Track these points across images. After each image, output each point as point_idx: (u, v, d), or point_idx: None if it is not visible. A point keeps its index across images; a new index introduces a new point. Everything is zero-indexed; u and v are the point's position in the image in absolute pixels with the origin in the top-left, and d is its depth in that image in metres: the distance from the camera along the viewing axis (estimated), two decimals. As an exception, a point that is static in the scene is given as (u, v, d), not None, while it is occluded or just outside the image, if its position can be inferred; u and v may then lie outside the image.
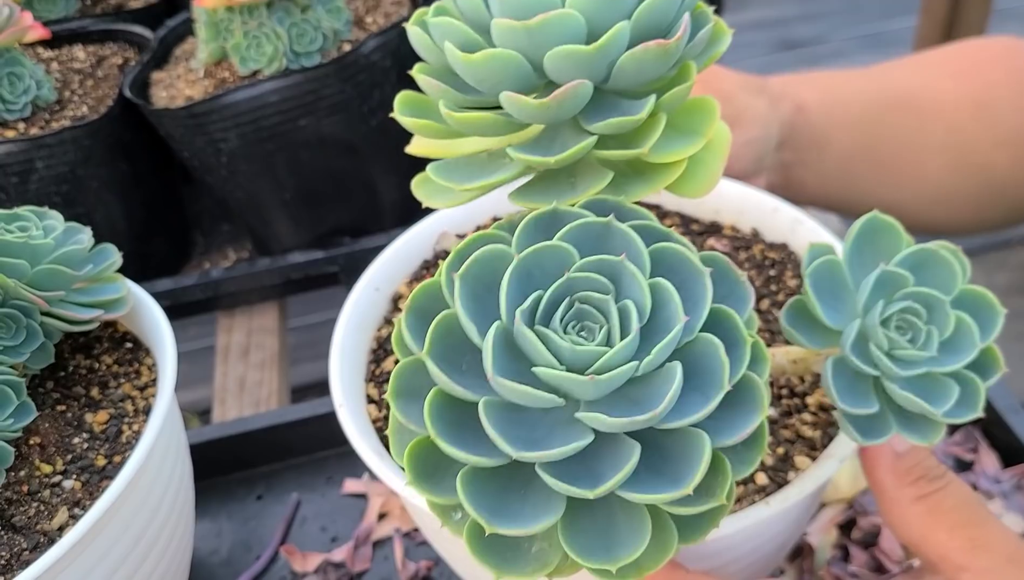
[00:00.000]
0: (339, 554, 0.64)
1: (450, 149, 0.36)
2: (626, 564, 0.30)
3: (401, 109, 0.38)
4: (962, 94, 0.73)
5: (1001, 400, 0.65)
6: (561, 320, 0.31)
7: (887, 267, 0.39)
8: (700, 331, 0.30)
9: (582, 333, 0.30)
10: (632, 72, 0.33)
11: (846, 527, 0.61)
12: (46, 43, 1.00)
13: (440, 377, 0.30)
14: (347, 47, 0.86)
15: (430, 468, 0.31)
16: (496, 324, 0.30)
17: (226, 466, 0.72)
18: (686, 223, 0.60)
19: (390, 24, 0.88)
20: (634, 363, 0.29)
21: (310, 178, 0.90)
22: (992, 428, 0.66)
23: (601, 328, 0.30)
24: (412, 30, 0.35)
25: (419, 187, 0.38)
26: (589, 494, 0.28)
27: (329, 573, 0.63)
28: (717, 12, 1.19)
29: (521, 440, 0.29)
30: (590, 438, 0.29)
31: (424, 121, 0.36)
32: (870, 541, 0.60)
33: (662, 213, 0.61)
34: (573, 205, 0.33)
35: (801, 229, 0.56)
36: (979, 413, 0.38)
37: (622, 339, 0.30)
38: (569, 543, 0.30)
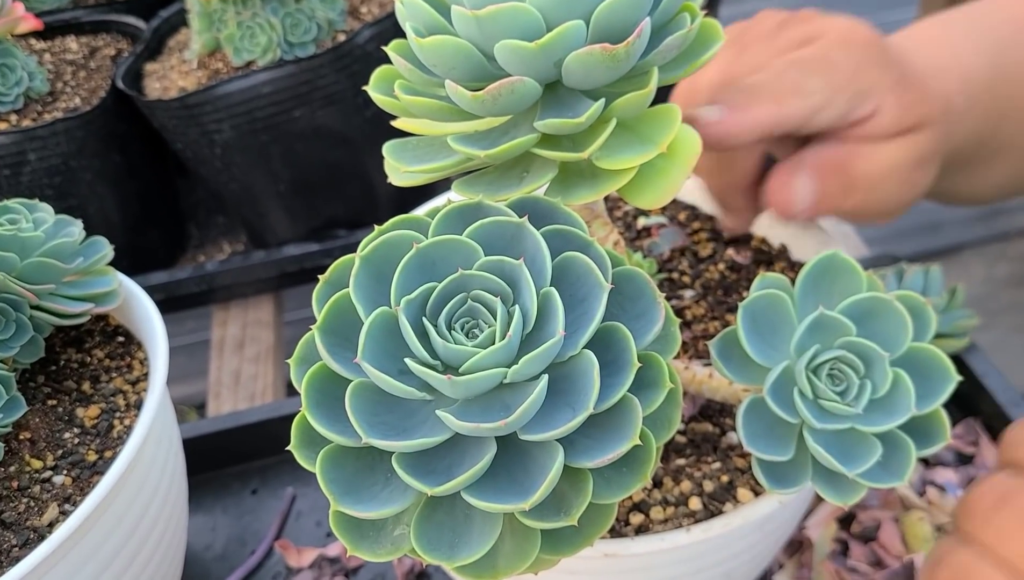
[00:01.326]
0: (334, 549, 0.64)
1: (428, 128, 0.35)
2: (473, 563, 0.30)
3: (375, 84, 0.37)
4: None
5: (1002, 394, 0.65)
6: (451, 316, 0.30)
7: (825, 311, 0.36)
8: (587, 347, 0.30)
9: (474, 330, 0.30)
10: (580, 74, 0.32)
11: (845, 521, 0.61)
12: (38, 34, 0.99)
13: (323, 351, 0.30)
14: (342, 37, 0.86)
15: (307, 439, 0.32)
16: (381, 309, 0.30)
17: (221, 460, 0.72)
18: (717, 229, 0.59)
19: (385, 14, 0.88)
20: (502, 369, 0.29)
21: (305, 170, 0.89)
22: (993, 422, 0.65)
23: (489, 329, 0.30)
24: (398, 7, 0.34)
25: (387, 164, 0.38)
26: (428, 490, 0.28)
27: (324, 568, 0.63)
28: (713, 5, 1.16)
29: (384, 426, 0.29)
30: (444, 435, 0.29)
31: (389, 98, 0.36)
32: (869, 535, 0.60)
33: (695, 215, 0.60)
34: (506, 200, 0.33)
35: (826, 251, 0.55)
36: (903, 481, 0.35)
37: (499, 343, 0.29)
38: (416, 533, 0.30)
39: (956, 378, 0.36)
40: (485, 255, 0.30)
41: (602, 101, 0.32)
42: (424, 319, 0.30)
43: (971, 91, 0.60)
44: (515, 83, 0.31)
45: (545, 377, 0.29)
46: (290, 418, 0.32)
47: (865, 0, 2.73)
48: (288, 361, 0.33)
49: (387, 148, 0.36)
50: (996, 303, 1.78)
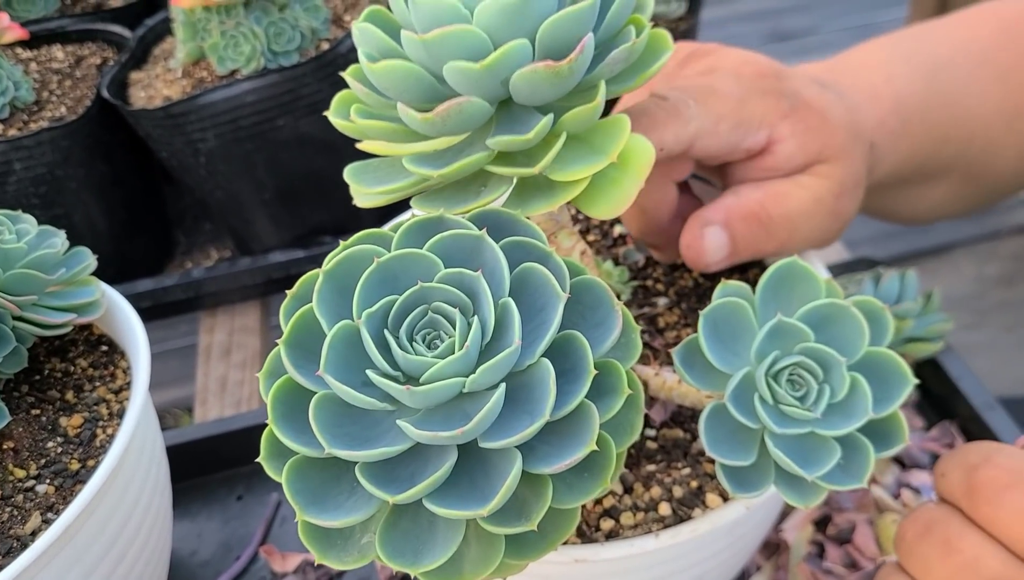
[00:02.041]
0: (318, 554, 0.64)
1: (387, 149, 0.36)
2: (438, 568, 0.30)
3: (336, 109, 0.38)
4: (1003, 105, 0.67)
5: (977, 397, 0.66)
6: (412, 327, 0.31)
7: (783, 318, 0.37)
8: (545, 356, 0.30)
9: (435, 341, 0.31)
10: (527, 91, 0.33)
11: (821, 523, 0.62)
12: (25, 43, 0.99)
13: (288, 365, 0.31)
14: (325, 46, 0.86)
15: (275, 451, 0.32)
16: (343, 322, 0.31)
17: (206, 466, 0.72)
18: None
19: (369, 22, 0.88)
20: (460, 379, 0.29)
21: (289, 178, 0.90)
22: (968, 424, 0.66)
23: (448, 340, 0.30)
24: (354, 32, 0.35)
25: (351, 187, 0.38)
26: (390, 498, 0.29)
27: (308, 573, 0.63)
28: (696, 6, 1.16)
29: (348, 437, 0.30)
30: (406, 445, 0.30)
31: (347, 122, 0.36)
32: (845, 538, 0.60)
33: None
34: (466, 213, 0.33)
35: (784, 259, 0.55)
36: (862, 483, 0.36)
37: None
38: (381, 540, 0.31)
39: (912, 381, 0.37)
40: (445, 268, 0.31)
41: (550, 117, 0.33)
42: (385, 331, 0.31)
43: (904, 114, 0.61)
44: (463, 103, 0.32)
45: (503, 386, 0.29)
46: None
47: (857, 0, 2.74)
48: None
49: (348, 172, 0.37)
50: (986, 302, 1.79)
